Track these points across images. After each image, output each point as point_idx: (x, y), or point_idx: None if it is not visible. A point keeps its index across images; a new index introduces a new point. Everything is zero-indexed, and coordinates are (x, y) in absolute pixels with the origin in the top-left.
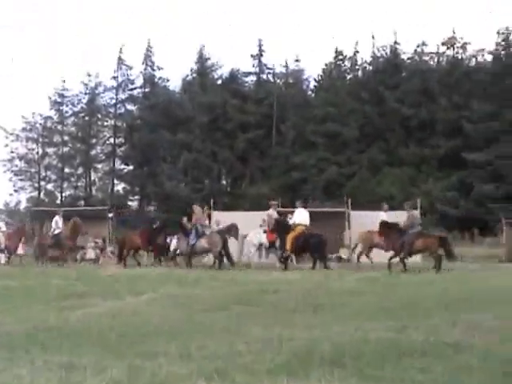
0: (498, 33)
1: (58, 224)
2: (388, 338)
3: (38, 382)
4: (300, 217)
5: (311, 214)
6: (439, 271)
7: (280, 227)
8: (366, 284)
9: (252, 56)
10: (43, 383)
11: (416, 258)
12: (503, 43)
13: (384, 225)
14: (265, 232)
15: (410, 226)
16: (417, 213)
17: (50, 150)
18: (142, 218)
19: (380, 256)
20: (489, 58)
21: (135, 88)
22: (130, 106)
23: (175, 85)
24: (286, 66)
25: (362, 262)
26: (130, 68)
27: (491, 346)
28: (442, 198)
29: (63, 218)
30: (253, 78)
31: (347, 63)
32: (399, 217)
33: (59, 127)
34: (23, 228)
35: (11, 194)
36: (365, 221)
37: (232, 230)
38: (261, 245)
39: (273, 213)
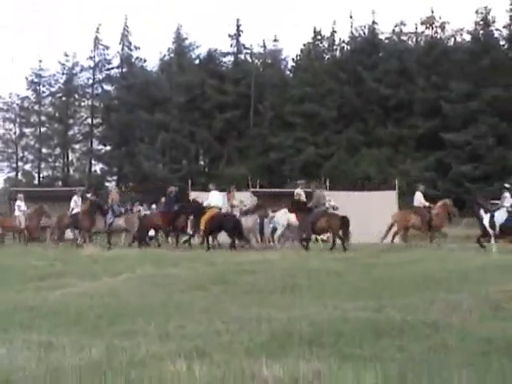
0: (476, 12)
1: (76, 203)
2: (366, 318)
3: (16, 361)
4: (213, 199)
5: (287, 195)
6: (346, 250)
7: (194, 208)
8: (344, 264)
9: (230, 36)
10: (22, 362)
11: (395, 239)
12: (481, 23)
13: (293, 203)
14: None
15: (316, 205)
16: (323, 192)
17: (28, 131)
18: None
19: (364, 236)
20: (467, 37)
21: (112, 68)
22: (107, 87)
23: (153, 65)
24: (264, 46)
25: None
26: (107, 48)
27: (469, 325)
28: (420, 178)
29: (39, 198)
30: (230, 58)
31: (325, 43)
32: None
33: (36, 107)
34: (42, 208)
35: None
36: (343, 201)
37: (261, 209)
38: (289, 225)
39: (301, 192)
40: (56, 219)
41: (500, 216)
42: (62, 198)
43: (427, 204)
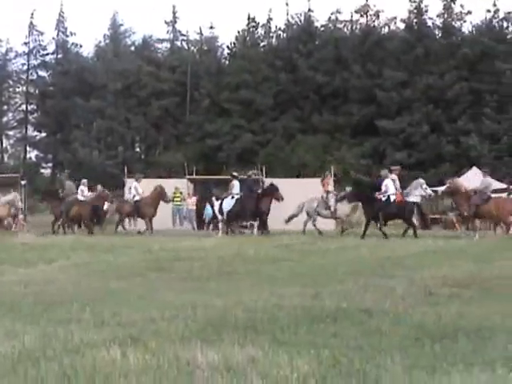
0: (409, 0)
1: (137, 190)
2: (301, 304)
3: None
4: None
5: (225, 181)
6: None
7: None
8: (281, 251)
9: (166, 22)
10: None
11: (331, 225)
12: (415, 11)
13: (45, 193)
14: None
15: (67, 194)
16: (70, 183)
17: None
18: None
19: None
20: (401, 25)
21: (47, 54)
22: (42, 73)
23: (88, 51)
24: (200, 33)
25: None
26: (42, 34)
27: (402, 310)
28: (356, 166)
29: None
30: (167, 44)
31: (261, 30)
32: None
33: None
34: (105, 193)
35: None
36: (280, 188)
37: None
38: None
39: (395, 177)
40: (115, 206)
41: (227, 203)
42: None
43: None
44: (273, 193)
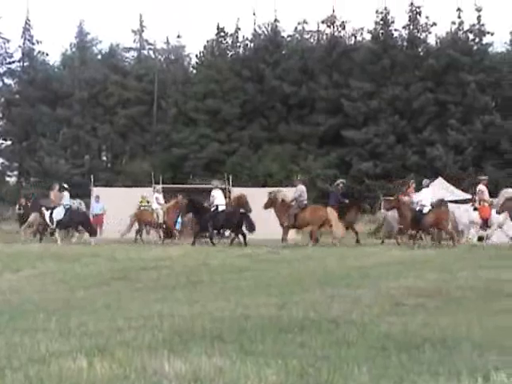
0: (376, 12)
1: (219, 199)
2: (268, 314)
3: None
4: None
5: (191, 190)
6: None
7: (358, 202)
8: (247, 260)
9: (133, 31)
10: None
11: (297, 236)
12: (381, 22)
13: None
14: (475, 209)
15: None
16: None
17: None
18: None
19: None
20: (367, 36)
21: (13, 62)
22: (8, 80)
23: (55, 59)
24: (167, 42)
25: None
26: (8, 41)
27: (369, 320)
28: (322, 176)
29: None
30: (134, 53)
31: (229, 40)
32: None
33: None
34: (183, 200)
35: None
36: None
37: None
38: (472, 222)
39: (483, 189)
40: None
41: (57, 213)
42: None
43: None
44: (358, 203)
